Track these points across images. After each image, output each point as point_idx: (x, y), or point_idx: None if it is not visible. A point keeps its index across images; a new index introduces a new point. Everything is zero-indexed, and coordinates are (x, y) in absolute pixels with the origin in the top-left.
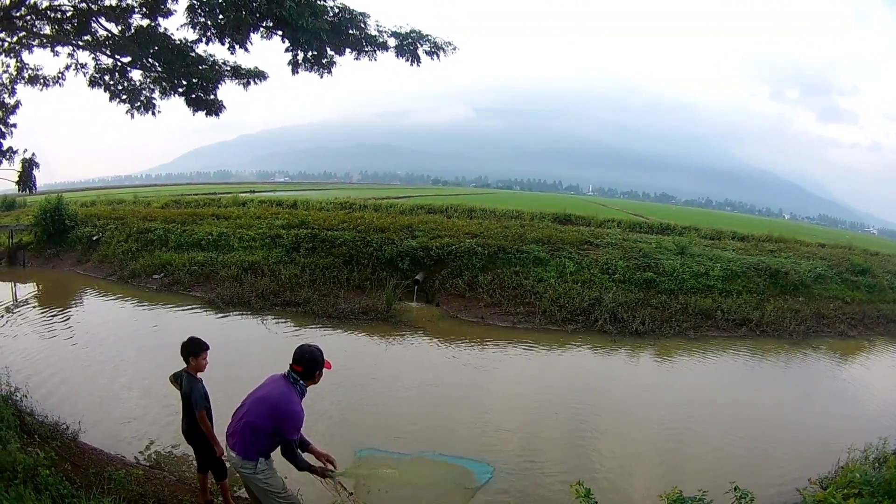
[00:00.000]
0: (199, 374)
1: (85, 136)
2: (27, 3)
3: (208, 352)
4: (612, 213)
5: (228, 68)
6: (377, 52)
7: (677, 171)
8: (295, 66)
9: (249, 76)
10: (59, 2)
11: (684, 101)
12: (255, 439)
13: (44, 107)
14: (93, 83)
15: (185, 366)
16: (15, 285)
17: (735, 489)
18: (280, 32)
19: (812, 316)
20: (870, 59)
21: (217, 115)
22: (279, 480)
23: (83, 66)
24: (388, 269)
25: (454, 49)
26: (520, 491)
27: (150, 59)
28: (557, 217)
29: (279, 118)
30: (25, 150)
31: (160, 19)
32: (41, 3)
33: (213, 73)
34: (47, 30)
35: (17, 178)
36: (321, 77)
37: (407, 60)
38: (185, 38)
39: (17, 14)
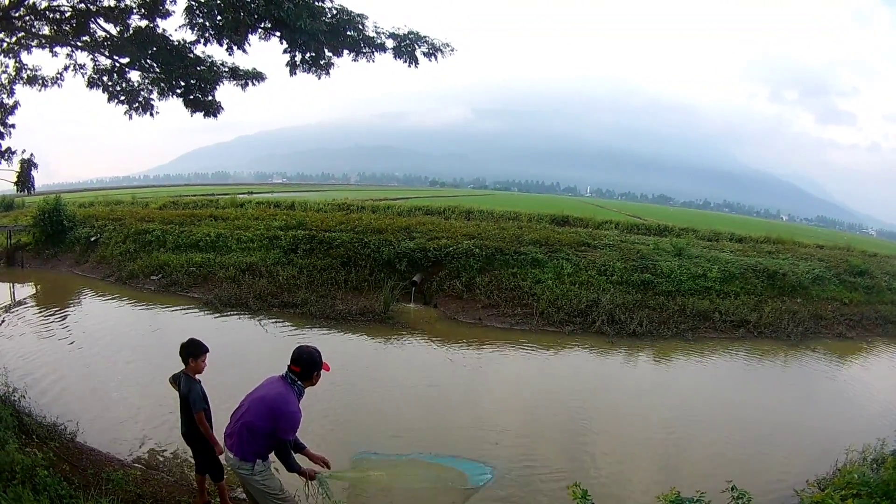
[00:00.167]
0: (198, 376)
1: (83, 136)
2: (26, 3)
3: (207, 354)
4: (610, 215)
5: (227, 69)
6: (375, 53)
7: (675, 172)
8: (293, 67)
9: (247, 77)
10: (57, 2)
11: (683, 102)
12: (253, 440)
13: (43, 107)
14: (91, 84)
15: (183, 367)
16: (13, 286)
17: (732, 489)
18: (278, 34)
19: (810, 317)
20: (869, 61)
21: (215, 116)
22: (277, 482)
23: (82, 66)
24: (386, 271)
25: (452, 50)
26: (517, 492)
27: (148, 60)
28: (555, 218)
29: (277, 119)
30: (24, 151)
31: (158, 20)
32: (40, 4)
33: (211, 74)
34: (46, 30)
35: (15, 179)
36: (319, 78)
37: (405, 62)
38: (183, 39)
39: (16, 14)
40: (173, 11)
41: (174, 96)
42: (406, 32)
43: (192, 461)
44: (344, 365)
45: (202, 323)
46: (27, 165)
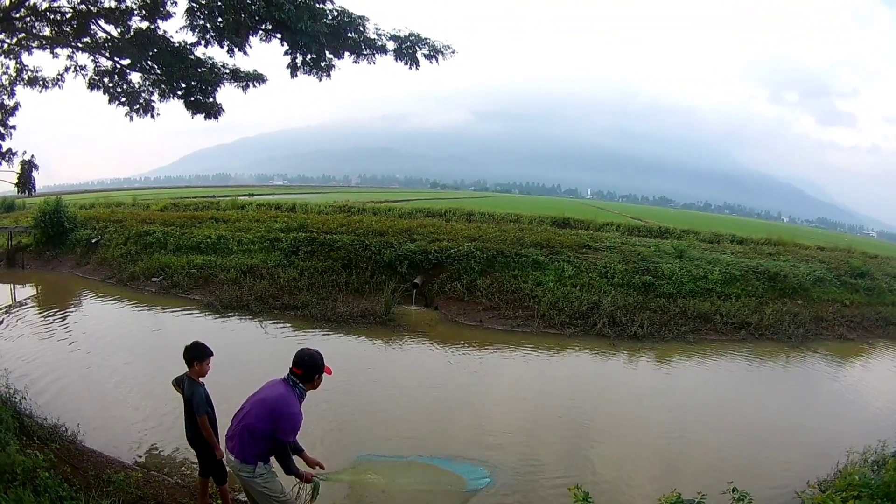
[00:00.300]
0: (201, 379)
1: (84, 137)
2: (26, 4)
3: (211, 358)
4: (611, 217)
5: (227, 71)
6: (376, 55)
7: (676, 174)
8: (294, 69)
9: (248, 79)
10: (58, 3)
11: (683, 104)
12: (254, 443)
13: (43, 109)
14: (92, 85)
15: (186, 369)
16: (14, 287)
17: (733, 490)
18: (279, 35)
19: (811, 319)
20: (869, 62)
21: (216, 117)
22: (278, 484)
23: (82, 68)
24: (387, 273)
25: (453, 52)
26: (518, 494)
27: (149, 62)
28: (556, 221)
29: (278, 121)
30: (24, 152)
31: (159, 22)
32: (41, 5)
33: (212, 76)
34: (46, 31)
35: (16, 180)
36: (320, 80)
37: (406, 64)
38: (184, 41)
39: (17, 15)
40: (174, 13)
41: (175, 98)
42: (407, 34)
43: (193, 463)
44: (345, 367)
45: (203, 325)
46: (28, 167)
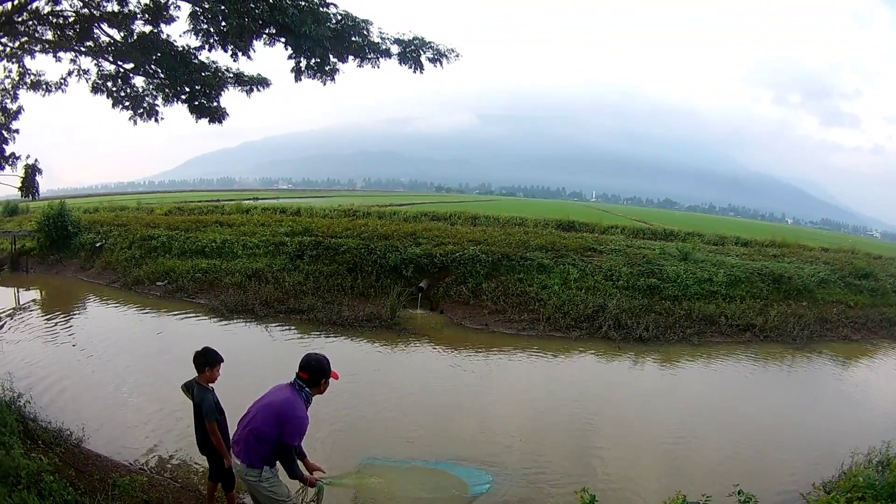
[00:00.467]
0: (210, 385)
1: (88, 142)
2: (29, 8)
3: (222, 364)
4: (616, 220)
5: (231, 75)
6: (380, 59)
7: (680, 176)
8: (298, 73)
9: (252, 83)
10: (61, 7)
11: (687, 106)
12: (260, 447)
13: (46, 112)
14: (95, 89)
15: (195, 375)
16: (18, 291)
17: (739, 493)
18: (283, 39)
19: (815, 320)
20: (871, 63)
21: (220, 122)
22: (284, 489)
23: (86, 72)
24: (392, 277)
25: (457, 56)
26: (524, 497)
27: (152, 66)
28: (561, 224)
29: (282, 125)
30: (28, 156)
31: (163, 26)
32: (43, 9)
33: (215, 80)
34: (49, 35)
35: (19, 184)
36: (324, 84)
37: (410, 67)
38: (187, 45)
39: (19, 19)
40: (177, 17)
41: (179, 102)
42: (411, 38)
43: (198, 467)
44: (350, 370)
45: (208, 329)
46: (31, 171)
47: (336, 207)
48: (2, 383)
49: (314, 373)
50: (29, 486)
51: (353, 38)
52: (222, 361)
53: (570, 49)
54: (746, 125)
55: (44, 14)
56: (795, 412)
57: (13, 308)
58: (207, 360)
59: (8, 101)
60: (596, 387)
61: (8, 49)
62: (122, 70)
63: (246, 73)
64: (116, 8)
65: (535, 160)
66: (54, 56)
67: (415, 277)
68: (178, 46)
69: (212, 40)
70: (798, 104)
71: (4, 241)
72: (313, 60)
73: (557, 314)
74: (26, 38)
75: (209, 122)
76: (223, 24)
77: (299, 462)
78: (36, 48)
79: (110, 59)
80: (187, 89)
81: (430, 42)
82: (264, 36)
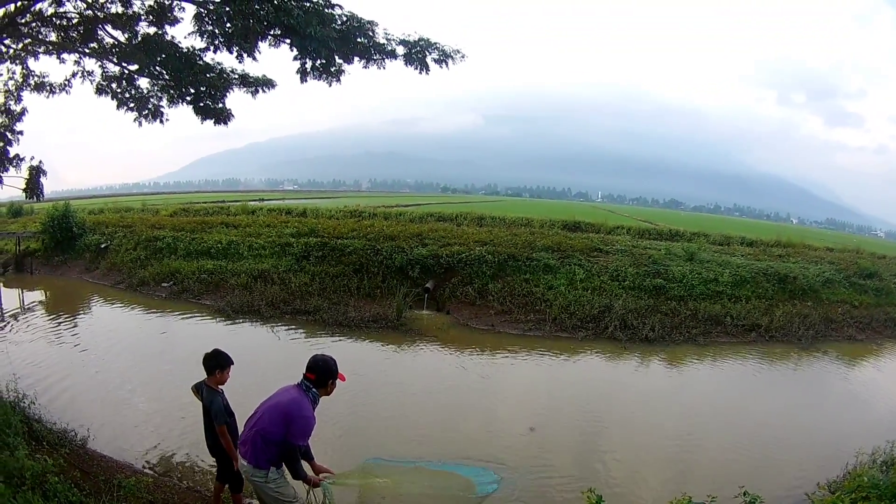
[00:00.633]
0: (220, 387)
1: (92, 143)
2: (32, 9)
3: (231, 366)
4: (622, 220)
5: (236, 76)
6: (386, 60)
7: (686, 176)
8: (303, 74)
9: (258, 84)
10: (64, 9)
11: (691, 106)
12: (267, 448)
13: (51, 114)
14: (100, 91)
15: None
16: (22, 292)
17: (744, 494)
18: (288, 41)
19: (820, 320)
20: (874, 63)
21: (225, 123)
22: (290, 490)
23: (90, 73)
24: (399, 278)
25: (463, 57)
26: (531, 497)
27: (157, 67)
28: (567, 224)
29: (288, 126)
30: (32, 158)
31: (167, 27)
32: (46, 11)
33: (221, 82)
34: (53, 37)
35: (24, 186)
36: (330, 85)
37: (415, 68)
38: (192, 47)
39: (22, 21)
40: (182, 19)
41: (184, 103)
42: (416, 39)
43: (203, 467)
44: (357, 371)
45: (214, 330)
46: (36, 172)
47: (342, 208)
48: (6, 384)
49: (321, 373)
50: (33, 488)
51: (359, 40)
52: (232, 364)
53: (573, 51)
54: (751, 125)
55: (47, 16)
56: (800, 412)
57: (18, 309)
58: (218, 363)
59: (12, 102)
60: (602, 387)
61: (11, 51)
62: (126, 71)
63: (251, 75)
64: (120, 9)
65: (541, 161)
66: (58, 58)
67: (421, 278)
68: (182, 48)
69: (217, 42)
70: (802, 104)
71: (9, 243)
72: (319, 61)
73: (563, 315)
74: (30, 40)
75: (214, 123)
76: (228, 25)
77: (307, 464)
78: (39, 50)
79: (115, 60)
80: (192, 90)
81: (435, 43)
82: (269, 37)
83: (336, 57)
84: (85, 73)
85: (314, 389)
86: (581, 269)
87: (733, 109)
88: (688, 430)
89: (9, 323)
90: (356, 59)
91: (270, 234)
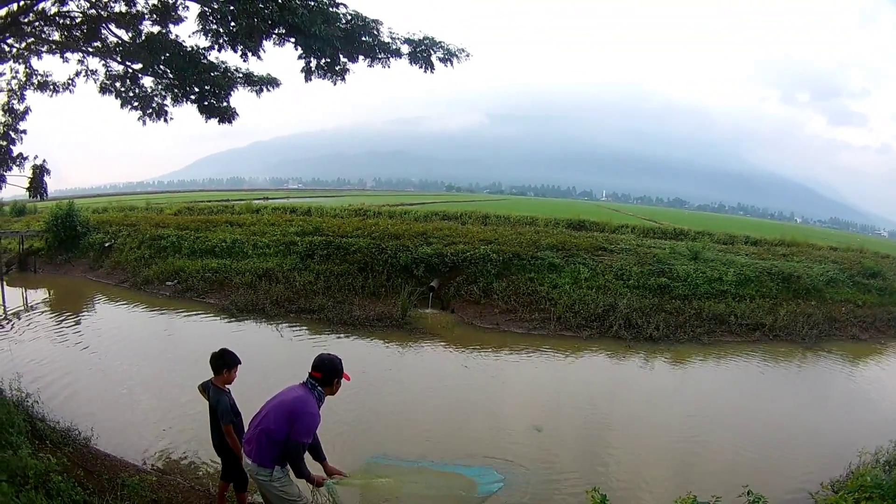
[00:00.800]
0: (227, 387)
1: (96, 142)
2: (35, 9)
3: (239, 366)
4: (626, 219)
5: (241, 75)
6: (390, 58)
7: (690, 175)
8: (308, 73)
9: (262, 83)
10: (67, 8)
11: (696, 105)
12: (272, 446)
13: (54, 113)
14: (104, 90)
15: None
16: (26, 291)
17: (748, 493)
18: (293, 40)
19: (824, 320)
20: (877, 62)
21: (230, 122)
22: (295, 488)
23: (94, 72)
24: (403, 276)
25: (468, 56)
26: (535, 496)
27: (161, 66)
28: (572, 223)
29: (292, 125)
30: (36, 157)
31: (171, 26)
32: (49, 10)
33: (225, 80)
34: (56, 36)
35: (27, 185)
36: (335, 84)
37: (420, 67)
38: (196, 45)
39: (25, 20)
40: (186, 17)
41: (188, 102)
42: (421, 38)
43: (207, 466)
44: (361, 369)
45: (219, 329)
46: (39, 171)
47: (346, 207)
48: (10, 383)
49: (327, 371)
50: (37, 487)
51: (364, 38)
52: (240, 363)
53: (575, 51)
54: (755, 124)
55: (50, 15)
56: (804, 412)
57: (21, 308)
58: (225, 362)
59: (15, 101)
60: (606, 386)
61: (14, 50)
62: (130, 70)
63: (256, 73)
64: (124, 8)
65: (545, 159)
66: (61, 57)
67: (426, 277)
68: (187, 47)
69: (221, 40)
70: (806, 103)
71: (12, 242)
72: (323, 60)
73: (568, 313)
74: (33, 39)
75: (219, 122)
76: (232, 24)
77: (319, 465)
78: (43, 49)
79: (118, 59)
80: (197, 89)
81: (440, 42)
82: (274, 36)
83: (341, 56)
84: (88, 72)
85: (319, 388)
86: (586, 267)
87: (737, 108)
88: (692, 429)
89: (12, 322)
90: (361, 57)
91: (275, 233)
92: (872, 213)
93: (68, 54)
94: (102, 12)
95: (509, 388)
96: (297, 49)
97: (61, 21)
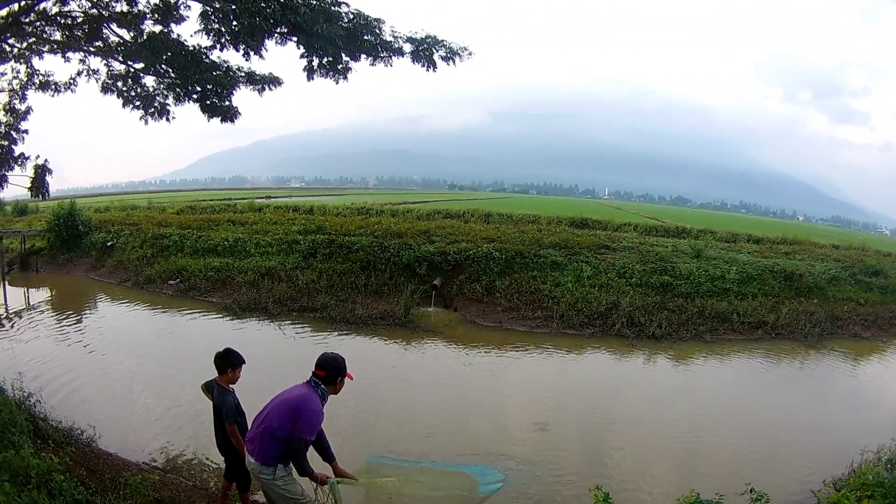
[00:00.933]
0: (231, 387)
1: (98, 142)
2: (36, 8)
3: (244, 366)
4: (629, 217)
5: (243, 74)
6: (393, 57)
7: (692, 173)
8: (310, 72)
9: (264, 82)
10: (68, 8)
11: (698, 103)
12: (275, 445)
13: (56, 113)
14: (105, 89)
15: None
16: (28, 290)
17: (751, 491)
18: (295, 39)
19: (826, 318)
20: (878, 61)
21: (232, 121)
22: (298, 487)
23: (95, 72)
24: (406, 275)
25: (470, 54)
26: (537, 495)
27: (163, 66)
28: (574, 221)
29: (294, 124)
30: (38, 156)
31: (173, 25)
32: (51, 9)
33: (227, 80)
34: (57, 36)
35: (29, 184)
36: (337, 83)
37: (423, 66)
38: (198, 45)
39: (27, 20)
40: (188, 17)
41: (190, 101)
42: (423, 37)
43: (210, 465)
44: (364, 368)
45: (222, 328)
46: (41, 171)
47: (349, 205)
48: (12, 383)
49: (331, 370)
50: (39, 486)
51: (366, 37)
52: (244, 363)
53: (576, 50)
54: (757, 122)
55: (51, 14)
56: (807, 410)
57: (23, 307)
58: (229, 362)
59: (16, 101)
60: (609, 384)
61: (16, 50)
62: (132, 70)
63: (258, 72)
64: (125, 8)
65: (548, 158)
66: (63, 56)
67: (428, 275)
68: (189, 46)
69: (223, 40)
70: (808, 101)
71: (14, 241)
72: (325, 59)
73: (571, 312)
74: (34, 39)
75: (221, 121)
76: (234, 23)
77: (328, 465)
78: (44, 49)
79: (120, 58)
80: (199, 89)
81: (442, 40)
82: (276, 35)
83: (343, 55)
84: (90, 72)
85: (323, 386)
86: (588, 266)
87: (739, 107)
88: (695, 427)
89: (14, 321)
90: (363, 56)
91: (277, 232)
92: (874, 211)
93: (70, 54)
94: (104, 12)
95: (512, 387)
96: (299, 48)
97: (63, 21)
